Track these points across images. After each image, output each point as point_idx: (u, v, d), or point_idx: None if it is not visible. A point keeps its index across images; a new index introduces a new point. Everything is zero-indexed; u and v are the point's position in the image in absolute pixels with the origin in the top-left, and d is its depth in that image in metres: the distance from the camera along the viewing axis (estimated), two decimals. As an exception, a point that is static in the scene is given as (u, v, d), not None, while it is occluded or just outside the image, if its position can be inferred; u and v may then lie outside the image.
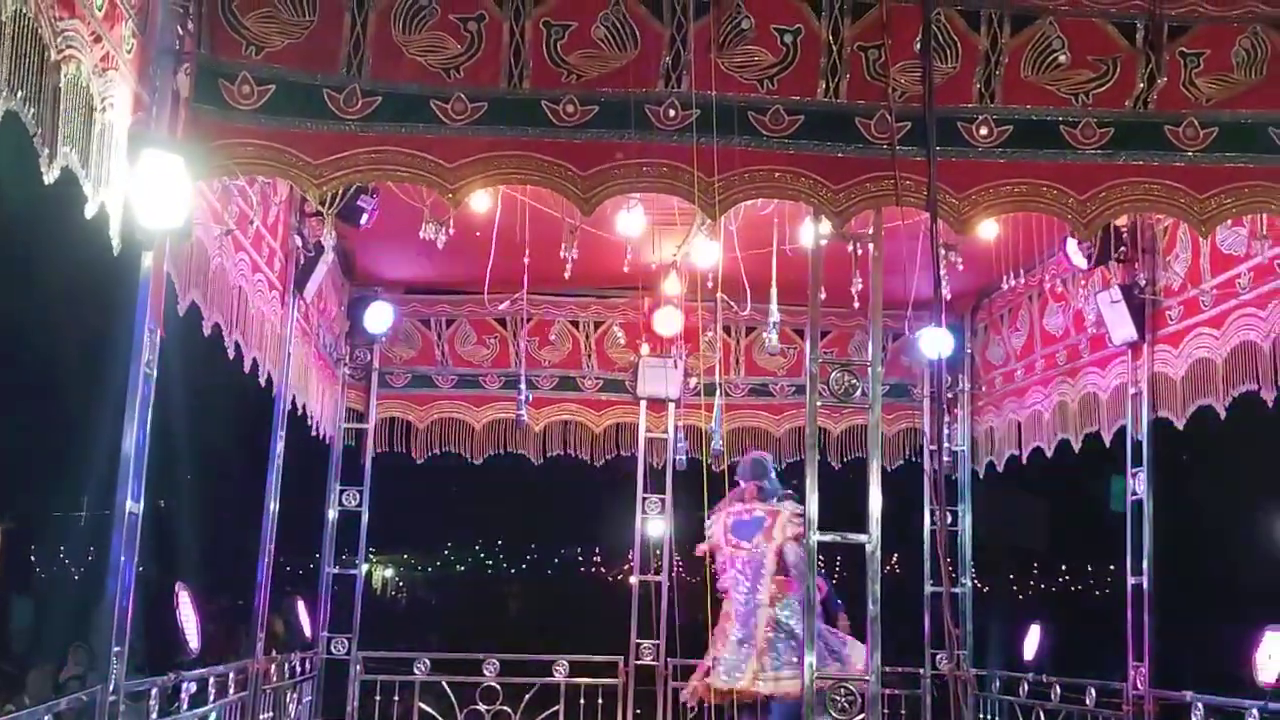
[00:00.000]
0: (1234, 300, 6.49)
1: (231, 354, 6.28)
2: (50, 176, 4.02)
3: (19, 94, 3.70)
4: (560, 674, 9.23)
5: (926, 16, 5.19)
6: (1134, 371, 7.40)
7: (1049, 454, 8.57)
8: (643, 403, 9.64)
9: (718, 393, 8.50)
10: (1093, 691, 7.62)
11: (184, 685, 6.01)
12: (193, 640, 6.21)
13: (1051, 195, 5.31)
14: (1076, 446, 8.21)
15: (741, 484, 7.86)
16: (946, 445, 9.49)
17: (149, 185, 4.57)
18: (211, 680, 6.47)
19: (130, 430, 4.79)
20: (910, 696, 9.32)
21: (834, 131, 5.28)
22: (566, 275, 6.46)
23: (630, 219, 7.03)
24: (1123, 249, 7.25)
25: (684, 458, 9.22)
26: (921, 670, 9.35)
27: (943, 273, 5.54)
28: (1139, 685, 7.19)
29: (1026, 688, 8.29)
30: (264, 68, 5.01)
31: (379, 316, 9.16)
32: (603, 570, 28.70)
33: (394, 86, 5.11)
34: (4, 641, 14.35)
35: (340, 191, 5.65)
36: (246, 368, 6.58)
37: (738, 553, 7.67)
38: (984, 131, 5.31)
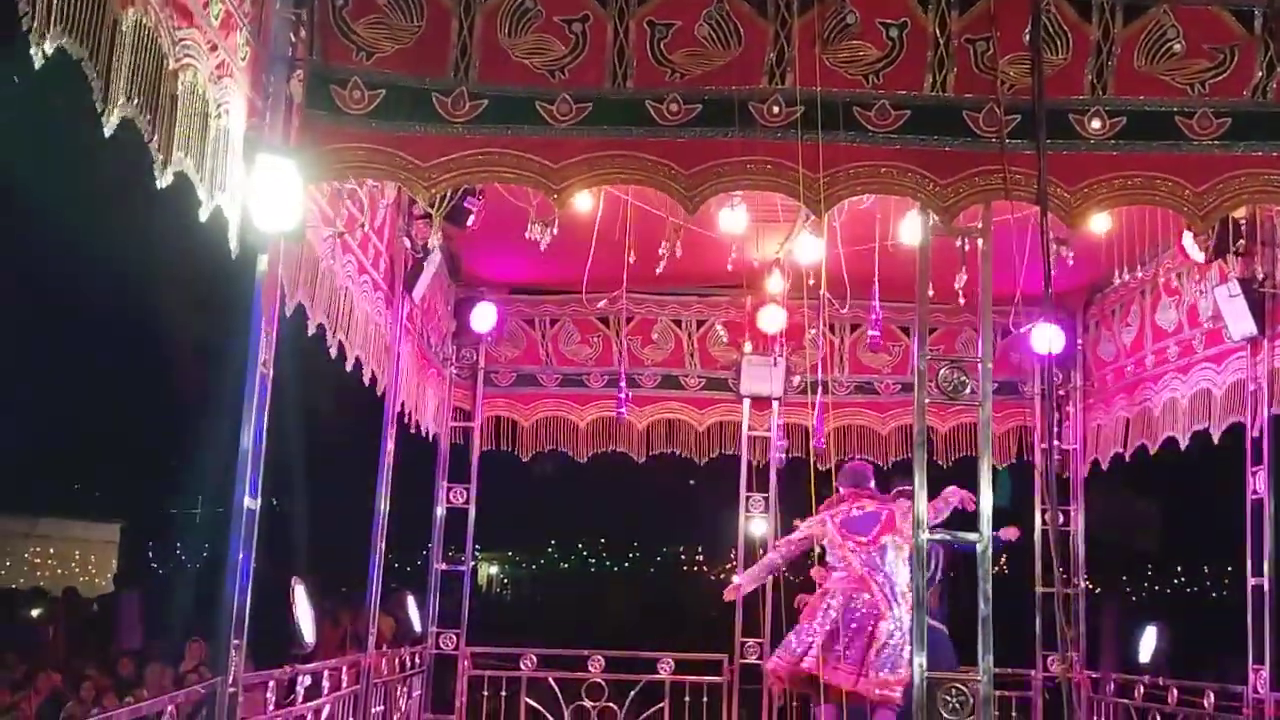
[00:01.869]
0: (1359, 293, 6.28)
1: (334, 353, 6.40)
2: (163, 182, 4.14)
3: (135, 101, 3.82)
4: (665, 671, 9.25)
5: (1036, 7, 5.11)
6: (1254, 367, 7.20)
7: (1152, 451, 8.36)
8: (745, 401, 9.63)
9: (818, 391, 8.45)
10: (1211, 695, 7.43)
11: (299, 679, 6.14)
12: (308, 635, 6.34)
13: (1166, 188, 5.20)
14: (1184, 444, 8.00)
15: (841, 490, 7.78)
16: (1057, 444, 9.32)
17: (264, 189, 4.69)
18: (326, 674, 6.60)
19: (248, 428, 4.90)
20: (1020, 699, 9.17)
21: (941, 126, 5.23)
22: (658, 271, 6.45)
23: (733, 217, 7.02)
24: (1241, 242, 7.04)
25: (784, 456, 9.16)
26: (1033, 672, 9.20)
27: (1052, 268, 5.44)
28: (1259, 688, 6.99)
29: (1142, 690, 8.10)
30: (374, 73, 5.11)
31: (484, 317, 9.27)
32: (705, 569, 28.70)
33: (500, 89, 5.17)
34: (121, 637, 14.76)
35: (448, 193, 5.72)
36: (349, 367, 6.69)
37: (859, 547, 7.57)
38: (1096, 124, 5.21)
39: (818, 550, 7.73)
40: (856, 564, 7.44)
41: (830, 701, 7.45)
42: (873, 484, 7.82)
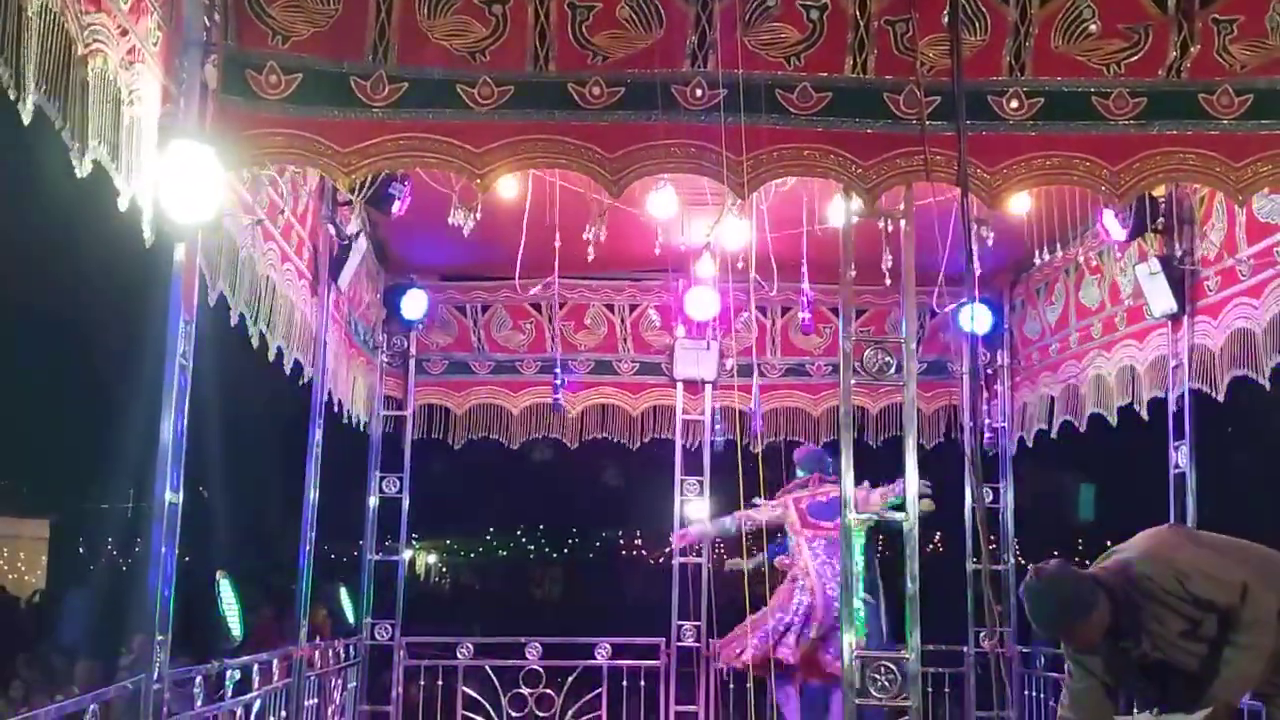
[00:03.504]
0: (1272, 269, 6.38)
1: (256, 343, 6.32)
2: (82, 170, 4.08)
3: (43, 88, 3.74)
4: (602, 657, 9.25)
5: (954, -11, 5.14)
6: (1174, 344, 7.31)
7: (1081, 428, 8.47)
8: (679, 385, 9.65)
9: (754, 373, 8.48)
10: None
11: (228, 673, 6.07)
12: (235, 628, 6.27)
13: (1084, 167, 5.25)
14: (1113, 420, 8.12)
15: (802, 474, 7.91)
16: (987, 421, 9.42)
17: (179, 177, 4.62)
18: (256, 668, 6.53)
19: (167, 421, 4.84)
20: (954, 674, 9.28)
21: (862, 108, 5.24)
22: (589, 258, 6.45)
23: (661, 200, 7.02)
24: (1160, 220, 7.15)
25: (720, 440, 9.19)
26: (965, 648, 9.32)
27: (974, 248, 5.49)
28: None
29: (1071, 664, 8.21)
30: (290, 57, 5.04)
31: (414, 304, 9.19)
32: (643, 553, 28.77)
33: (420, 72, 5.12)
34: (54, 634, 14.53)
35: (370, 179, 5.67)
36: (271, 356, 6.62)
37: (819, 534, 7.71)
38: (1014, 104, 5.26)
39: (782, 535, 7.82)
40: (806, 554, 7.53)
41: (790, 683, 7.60)
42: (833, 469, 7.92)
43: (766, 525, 7.92)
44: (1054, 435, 8.87)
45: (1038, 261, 7.69)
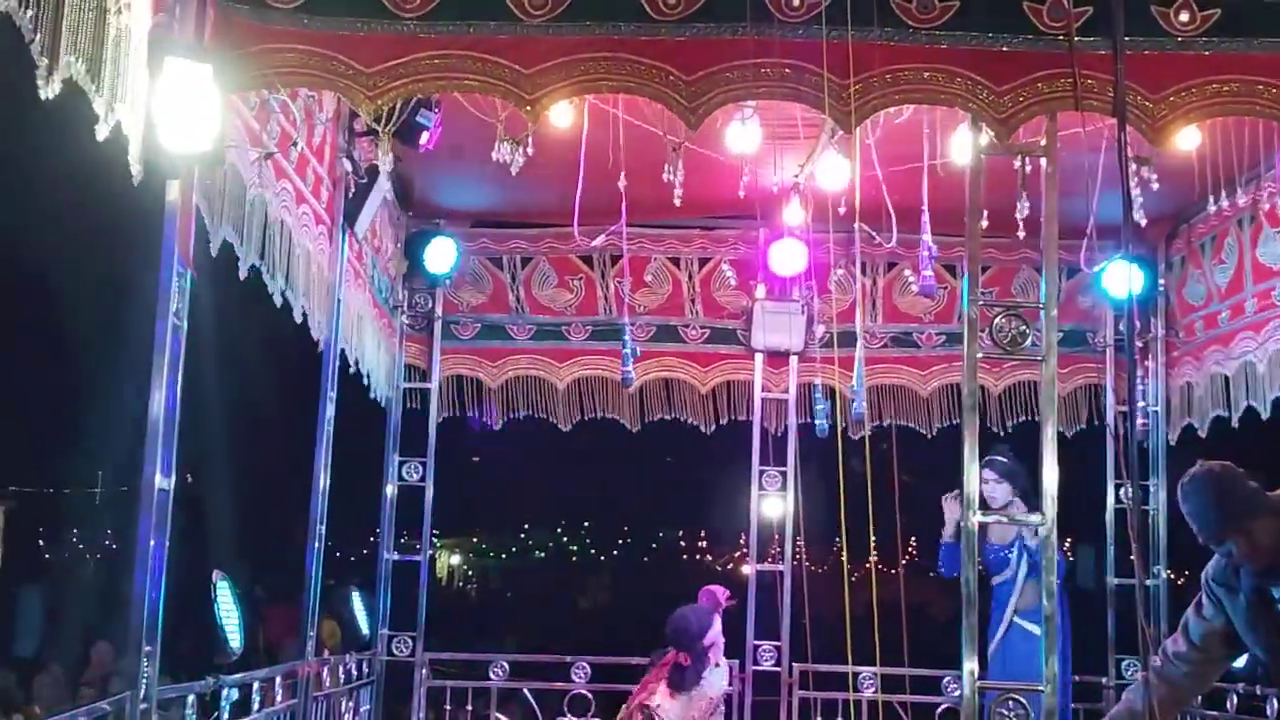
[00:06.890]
0: None
1: (280, 302, 6.37)
2: (49, 91, 4.07)
3: None
4: (663, 681, 9.28)
5: (1109, -128, 5.07)
6: (1366, 313, 7.21)
7: (1265, 414, 8.34)
8: (758, 356, 9.61)
9: (858, 344, 8.41)
10: (1317, 705, 7.48)
11: (224, 691, 6.16)
12: (234, 639, 6.35)
13: (1270, 95, 5.16)
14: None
15: None
16: (1140, 404, 9.31)
17: (172, 101, 4.64)
18: (256, 686, 6.62)
19: (158, 392, 4.89)
20: (1091, 710, 9.24)
21: (997, 20, 5.19)
22: (678, 202, 6.39)
23: (744, 133, 6.97)
24: (1357, 161, 7.04)
25: (825, 423, 9.09)
26: (1105, 679, 9.27)
27: (1134, 192, 5.42)
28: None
29: (1235, 701, 8.15)
30: (307, -43, 5.06)
31: (442, 255, 9.21)
32: (710, 557, 28.84)
33: (460, -24, 5.12)
34: (7, 640, 14.78)
35: (397, 106, 5.68)
36: (298, 318, 6.66)
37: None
38: (1184, 17, 5.18)
39: None
40: None
41: None
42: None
43: None
44: (1234, 423, 8.71)
45: (1208, 210, 7.57)
